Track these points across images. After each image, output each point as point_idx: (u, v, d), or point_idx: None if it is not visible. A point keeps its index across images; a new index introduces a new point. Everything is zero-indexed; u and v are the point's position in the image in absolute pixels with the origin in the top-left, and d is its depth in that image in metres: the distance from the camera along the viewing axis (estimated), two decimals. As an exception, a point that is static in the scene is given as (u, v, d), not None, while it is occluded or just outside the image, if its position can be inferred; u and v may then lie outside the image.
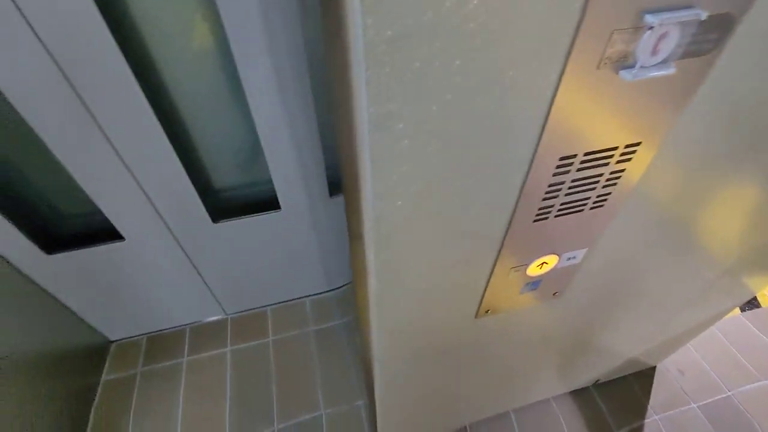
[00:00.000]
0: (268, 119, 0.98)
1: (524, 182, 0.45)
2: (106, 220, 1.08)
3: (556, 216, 0.51)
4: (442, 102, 0.33)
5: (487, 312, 0.68)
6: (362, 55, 0.29)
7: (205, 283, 1.38)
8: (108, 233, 1.13)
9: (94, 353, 1.39)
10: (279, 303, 1.59)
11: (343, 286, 1.64)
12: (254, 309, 1.57)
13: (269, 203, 1.21)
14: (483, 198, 0.45)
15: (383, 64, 0.30)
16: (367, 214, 0.41)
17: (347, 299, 1.60)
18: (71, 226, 1.12)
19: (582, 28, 0.31)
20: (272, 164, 1.08)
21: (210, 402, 1.32)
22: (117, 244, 1.14)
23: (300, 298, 1.61)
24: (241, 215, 1.21)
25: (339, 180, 1.19)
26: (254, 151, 1.08)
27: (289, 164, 1.10)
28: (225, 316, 1.55)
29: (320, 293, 1.63)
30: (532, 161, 0.43)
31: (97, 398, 1.33)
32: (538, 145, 0.41)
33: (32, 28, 0.73)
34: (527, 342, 0.88)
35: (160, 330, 1.51)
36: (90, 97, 0.84)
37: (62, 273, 1.16)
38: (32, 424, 1.06)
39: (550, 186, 0.46)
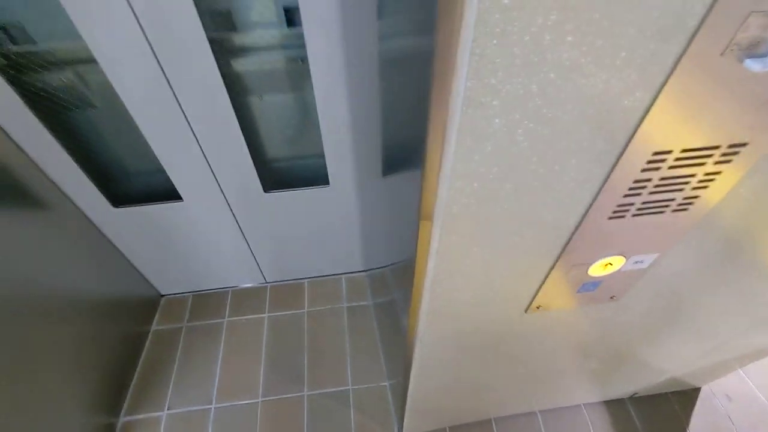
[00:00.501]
0: (328, 94, 0.99)
1: (608, 175, 0.43)
2: (168, 180, 1.14)
3: (634, 215, 0.48)
4: (544, 80, 0.32)
5: (538, 308, 0.66)
6: (472, 25, 0.28)
7: (251, 249, 1.44)
8: (169, 193, 1.19)
9: (147, 304, 1.50)
10: (316, 277, 1.64)
11: (378, 268, 1.66)
12: (292, 280, 1.63)
13: (318, 178, 1.23)
14: (561, 188, 0.43)
15: (493, 35, 0.29)
16: (441, 193, 0.41)
17: (380, 281, 1.62)
18: (136, 184, 1.20)
19: (716, 6, 0.28)
20: (326, 140, 1.10)
21: (246, 361, 1.39)
22: (176, 204, 1.21)
23: (336, 274, 1.65)
24: (290, 187, 1.24)
25: (396, 159, 1.19)
26: (310, 125, 1.10)
27: (343, 141, 1.11)
28: (265, 284, 1.62)
29: (355, 272, 1.66)
30: (622, 153, 0.40)
31: (146, 345, 1.44)
32: (633, 135, 0.38)
33: (131, 7, 0.77)
34: (569, 343, 0.86)
35: (205, 290, 1.59)
36: (172, 71, 0.88)
37: (126, 226, 1.25)
38: (90, 361, 1.16)
39: (635, 182, 0.43)
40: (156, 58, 0.86)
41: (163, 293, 1.57)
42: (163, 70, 0.89)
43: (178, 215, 1.25)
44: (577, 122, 0.36)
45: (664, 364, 1.05)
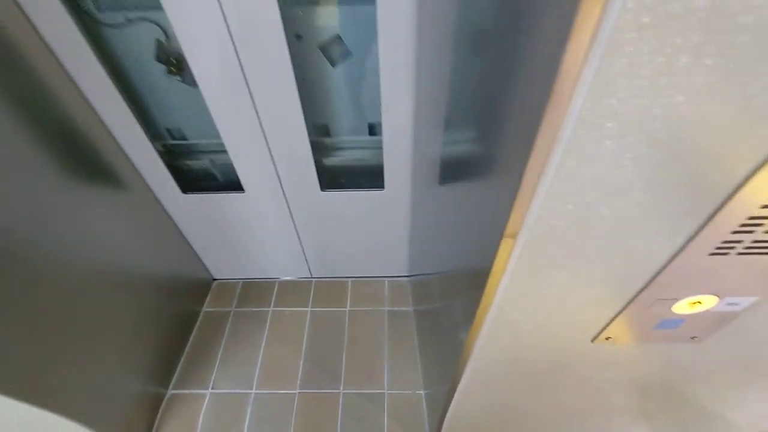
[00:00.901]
0: (394, 98, 0.99)
1: (719, 208, 0.39)
2: (233, 173, 1.20)
3: (740, 253, 0.44)
4: (670, 104, 0.30)
5: (607, 339, 0.62)
6: (604, 42, 0.26)
7: (301, 244, 1.48)
8: (232, 184, 1.25)
9: (200, 287, 1.59)
10: (360, 277, 1.65)
11: (421, 275, 1.64)
12: (337, 277, 1.65)
13: (374, 180, 1.24)
14: (661, 217, 0.40)
15: (623, 54, 0.27)
16: (531, 213, 0.39)
17: (423, 288, 1.60)
18: (204, 173, 1.27)
19: None
20: (387, 146, 1.10)
21: (287, 351, 1.43)
22: (238, 195, 1.27)
23: (380, 277, 1.65)
24: (345, 188, 1.26)
25: (455, 168, 1.17)
26: (373, 127, 1.11)
27: (403, 146, 1.11)
28: (310, 278, 1.65)
29: (398, 276, 1.65)
30: (740, 186, 0.36)
31: (197, 324, 1.52)
32: (759, 169, 0.35)
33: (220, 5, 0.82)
34: (631, 380, 0.80)
35: (254, 278, 1.66)
36: (251, 68, 0.93)
37: (190, 211, 1.33)
38: (148, 333, 1.25)
39: (750, 218, 0.39)
40: (237, 53, 0.91)
41: (215, 277, 1.66)
42: (243, 69, 0.93)
43: (239, 205, 1.31)
44: (695, 149, 0.33)
45: (731, 417, 0.95)
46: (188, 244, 1.47)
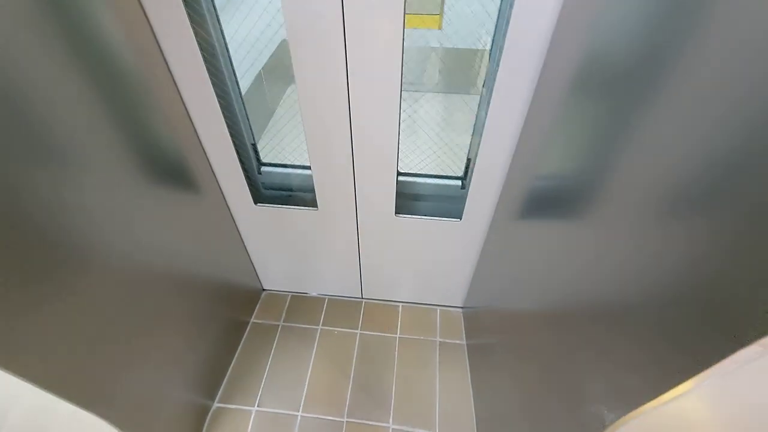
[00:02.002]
0: (494, 142, 0.96)
1: None
2: (311, 189, 1.17)
3: None
4: None
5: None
6: None
7: (360, 264, 1.44)
8: (306, 200, 1.23)
9: (250, 296, 1.56)
10: (411, 303, 1.60)
11: (474, 308, 1.58)
12: (388, 301, 1.61)
13: (453, 210, 1.20)
14: None
15: None
16: None
17: (476, 321, 1.54)
18: (279, 186, 1.25)
19: None
20: (476, 178, 1.06)
21: (335, 374, 1.38)
22: (309, 211, 1.24)
23: (432, 305, 1.60)
24: (421, 214, 1.22)
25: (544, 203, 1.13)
26: (467, 163, 1.07)
27: (492, 183, 1.07)
28: (360, 299, 1.61)
29: (451, 306, 1.60)
30: None
31: (245, 335, 1.49)
32: None
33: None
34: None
35: (303, 293, 1.63)
36: (358, 108, 0.92)
37: (257, 221, 1.31)
38: (196, 339, 1.20)
39: None
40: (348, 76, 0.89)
41: (265, 288, 1.63)
42: (350, 101, 0.91)
43: (307, 221, 1.28)
44: None
45: None
46: (246, 251, 1.45)
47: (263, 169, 1.21)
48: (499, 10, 0.84)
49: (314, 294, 1.63)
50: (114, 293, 0.82)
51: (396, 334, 1.51)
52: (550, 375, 0.71)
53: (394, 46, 0.81)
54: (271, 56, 1.82)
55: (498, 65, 0.83)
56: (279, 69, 1.90)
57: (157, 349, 1.01)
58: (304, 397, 1.32)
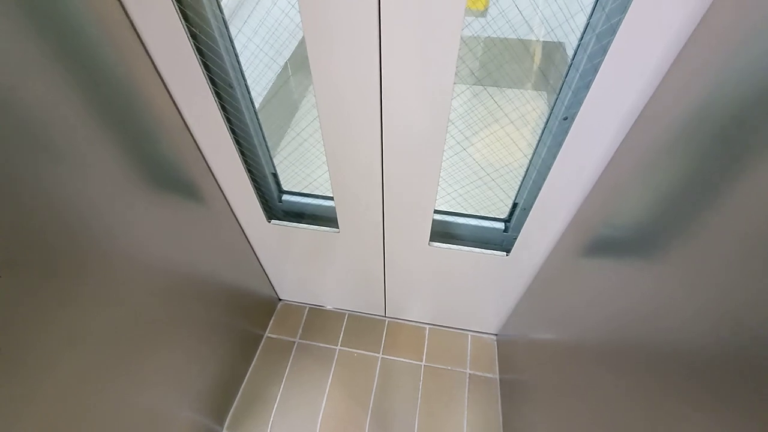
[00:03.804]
0: (564, 177, 0.73)
1: None
2: (332, 212, 1.00)
3: None
4: None
5: None
6: None
7: (385, 286, 1.28)
8: (326, 221, 1.06)
9: (265, 306, 1.44)
10: (439, 326, 1.44)
11: (511, 336, 1.41)
12: (413, 322, 1.45)
13: (498, 244, 1.00)
14: None
15: None
16: None
17: (512, 352, 1.37)
18: (296, 207, 1.08)
19: None
20: (534, 216, 0.85)
21: (353, 403, 1.27)
22: (330, 232, 1.07)
23: (462, 329, 1.43)
24: (460, 244, 1.02)
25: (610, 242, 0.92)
26: (528, 197, 0.85)
27: (554, 220, 0.85)
28: (384, 317, 1.47)
29: (484, 333, 1.43)
30: None
31: (258, 352, 1.38)
32: None
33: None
34: None
35: (323, 306, 1.49)
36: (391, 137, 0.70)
37: (271, 238, 1.16)
38: (205, 353, 1.08)
39: None
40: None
41: (281, 297, 1.51)
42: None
43: (327, 241, 1.11)
44: None
45: None
46: (259, 263, 1.31)
47: (284, 197, 1.04)
48: None
49: (333, 308, 1.49)
50: (115, 304, 0.71)
51: (422, 361, 1.36)
52: (597, 428, 0.62)
53: (448, 40, 0.59)
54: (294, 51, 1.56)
55: (592, 77, 0.59)
56: (302, 64, 1.63)
57: (163, 365, 0.90)
58: (318, 430, 1.22)
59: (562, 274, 0.92)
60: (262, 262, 1.32)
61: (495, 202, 1.05)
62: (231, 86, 0.74)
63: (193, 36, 0.67)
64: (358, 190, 0.88)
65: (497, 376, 1.33)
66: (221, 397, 1.21)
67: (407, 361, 1.36)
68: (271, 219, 1.08)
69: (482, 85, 1.84)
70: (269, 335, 1.42)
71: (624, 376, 0.57)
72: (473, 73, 1.73)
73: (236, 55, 0.72)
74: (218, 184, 0.97)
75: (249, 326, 1.34)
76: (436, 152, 0.75)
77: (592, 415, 0.66)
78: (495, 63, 1.80)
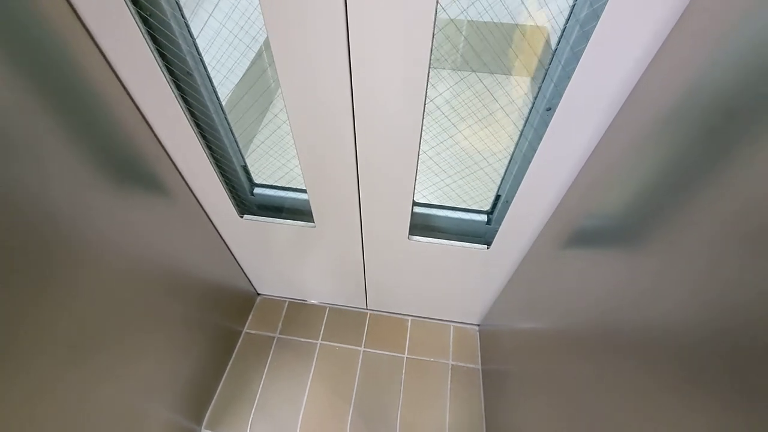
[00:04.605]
0: (553, 161, 0.70)
1: None
2: (306, 206, 0.95)
3: None
4: None
5: None
6: None
7: (365, 279, 1.25)
8: (300, 215, 1.01)
9: (243, 300, 1.40)
10: (421, 317, 1.43)
11: (494, 326, 1.41)
12: (395, 314, 1.44)
13: (480, 236, 0.98)
14: None
15: None
16: None
17: (494, 342, 1.38)
18: (268, 200, 1.03)
19: None
20: (516, 207, 0.83)
21: (335, 398, 1.25)
22: (305, 227, 1.03)
23: (444, 320, 1.43)
24: (440, 238, 1.00)
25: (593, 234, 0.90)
26: (509, 190, 0.83)
27: (537, 212, 0.83)
28: (365, 310, 1.44)
29: (467, 324, 1.42)
30: None
31: (236, 348, 1.35)
32: None
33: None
34: None
35: (302, 300, 1.46)
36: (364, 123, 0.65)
37: (244, 233, 1.11)
38: (182, 349, 1.04)
39: None
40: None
41: (260, 292, 1.47)
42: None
43: (303, 236, 1.07)
44: None
45: None
46: (234, 258, 1.26)
47: (256, 190, 0.98)
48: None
49: (314, 302, 1.46)
50: (83, 304, 0.68)
51: (404, 354, 1.35)
52: (582, 415, 0.62)
53: (422, 11, 0.54)
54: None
55: (574, 65, 0.56)
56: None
57: (136, 362, 0.86)
58: (299, 426, 1.20)
59: (544, 265, 0.91)
60: (237, 258, 1.27)
61: (481, 193, 1.02)
62: (189, 74, 0.68)
63: (144, 20, 0.61)
64: (331, 182, 0.84)
65: (479, 367, 1.34)
66: (199, 396, 1.18)
67: (389, 353, 1.35)
68: (243, 214, 1.03)
69: (465, 70, 1.79)
70: (248, 331, 1.39)
71: (605, 364, 0.56)
72: (455, 57, 1.68)
73: (194, 41, 0.66)
74: (184, 180, 0.92)
75: (226, 322, 1.30)
76: (413, 141, 0.71)
77: (574, 403, 0.66)
78: (479, 48, 1.75)
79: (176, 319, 1.01)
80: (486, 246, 0.98)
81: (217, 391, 1.26)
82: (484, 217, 0.94)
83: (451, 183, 1.00)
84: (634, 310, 0.51)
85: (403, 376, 1.30)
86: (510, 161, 0.79)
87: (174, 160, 0.86)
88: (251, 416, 1.21)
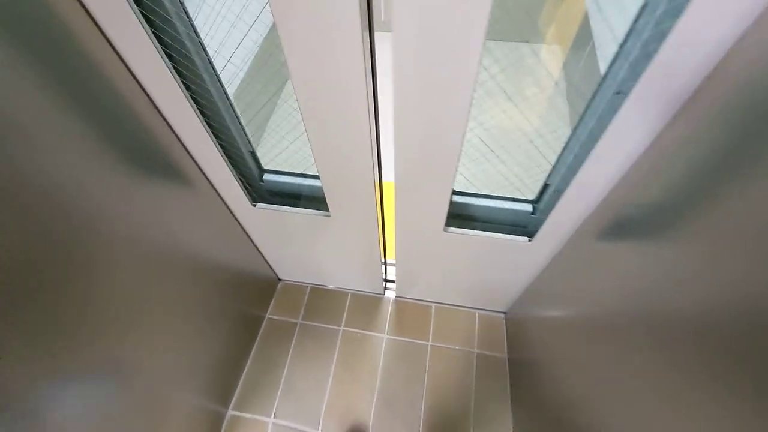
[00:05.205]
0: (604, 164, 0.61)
1: None
2: (319, 193, 0.89)
3: None
4: None
5: None
6: None
7: (385, 267, 1.20)
8: (319, 202, 0.96)
9: (265, 286, 1.39)
10: (446, 304, 1.38)
11: (521, 314, 1.34)
12: (419, 300, 1.39)
13: (523, 227, 0.90)
14: None
15: None
16: None
17: (522, 331, 1.32)
18: (281, 185, 0.97)
19: None
20: (567, 199, 0.74)
21: (358, 385, 1.24)
22: (320, 216, 0.98)
23: (469, 308, 1.37)
24: (481, 228, 0.92)
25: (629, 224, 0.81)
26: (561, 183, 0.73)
27: (585, 203, 0.74)
28: (389, 296, 1.41)
29: (493, 311, 1.37)
30: None
31: (260, 333, 1.35)
32: None
33: None
34: None
35: (324, 285, 1.44)
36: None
37: (260, 221, 1.07)
38: (208, 335, 1.05)
39: None
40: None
41: (281, 278, 1.45)
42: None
43: (318, 225, 1.03)
44: None
45: None
46: (254, 245, 1.24)
47: (265, 177, 0.93)
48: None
49: (335, 287, 1.43)
50: (108, 288, 0.67)
51: (428, 341, 1.32)
52: (612, 410, 0.59)
53: None
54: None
55: (657, 44, 0.45)
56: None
57: (162, 349, 0.87)
58: (324, 411, 1.21)
59: (582, 255, 0.83)
60: (257, 244, 1.25)
61: (523, 179, 0.92)
62: (188, 58, 0.62)
63: (137, 2, 0.54)
64: (346, 169, 0.77)
65: (506, 356, 1.29)
66: (225, 380, 1.20)
67: (413, 341, 1.32)
68: (256, 202, 0.98)
69: (514, 39, 1.60)
70: (270, 316, 1.39)
71: (637, 353, 0.53)
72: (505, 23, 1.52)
73: (192, 24, 0.59)
74: (199, 167, 0.88)
75: (249, 308, 1.30)
76: (459, 120, 0.60)
77: (602, 393, 0.63)
78: (533, 12, 1.56)
79: (202, 305, 1.00)
80: (528, 238, 0.90)
81: (243, 376, 1.27)
82: (528, 207, 0.86)
83: (490, 168, 0.91)
84: (667, 300, 0.47)
85: (427, 364, 1.28)
86: (565, 148, 0.69)
87: (187, 147, 0.82)
88: (276, 400, 1.23)
